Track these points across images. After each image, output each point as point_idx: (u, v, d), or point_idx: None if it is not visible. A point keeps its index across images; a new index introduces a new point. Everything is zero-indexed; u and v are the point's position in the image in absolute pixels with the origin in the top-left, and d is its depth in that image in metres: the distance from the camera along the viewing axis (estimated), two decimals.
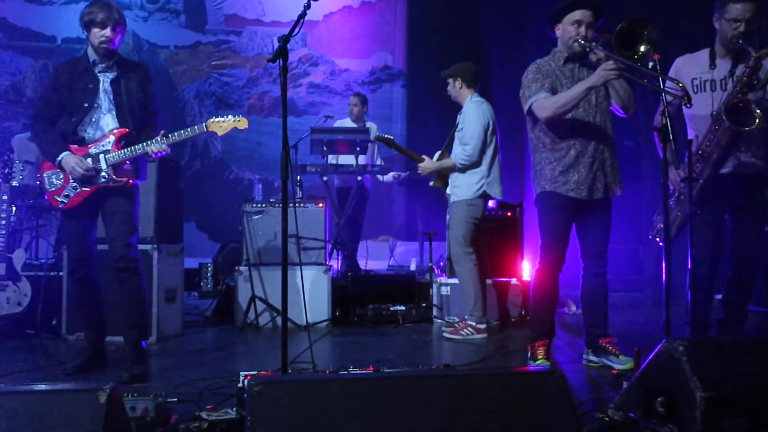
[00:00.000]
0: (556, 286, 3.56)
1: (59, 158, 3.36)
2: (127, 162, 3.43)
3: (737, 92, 3.33)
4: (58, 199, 3.44)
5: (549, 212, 3.51)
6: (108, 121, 3.45)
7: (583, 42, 3.37)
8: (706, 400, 1.91)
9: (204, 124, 3.44)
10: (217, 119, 3.45)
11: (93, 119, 3.44)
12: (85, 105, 3.43)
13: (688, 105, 3.11)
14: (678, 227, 3.52)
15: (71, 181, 3.40)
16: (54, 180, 3.44)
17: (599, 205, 3.52)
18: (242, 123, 3.46)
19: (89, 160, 3.38)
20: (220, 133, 3.44)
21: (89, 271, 3.54)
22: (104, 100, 3.45)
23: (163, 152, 3.38)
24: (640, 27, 3.11)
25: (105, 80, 3.46)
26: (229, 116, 3.47)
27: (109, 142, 3.39)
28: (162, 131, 3.38)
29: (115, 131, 3.42)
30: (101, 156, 3.38)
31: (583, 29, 3.39)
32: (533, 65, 3.55)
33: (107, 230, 3.47)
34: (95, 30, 3.37)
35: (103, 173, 3.39)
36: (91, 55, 3.47)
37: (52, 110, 3.48)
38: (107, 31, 3.37)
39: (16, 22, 9.03)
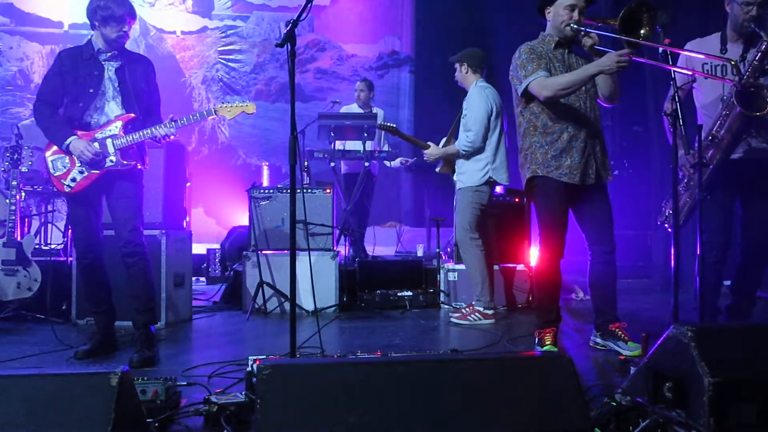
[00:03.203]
0: (559, 271, 3.53)
1: (67, 142, 3.37)
2: (134, 147, 3.46)
3: (748, 77, 3.30)
4: (65, 183, 3.45)
5: (544, 198, 3.48)
6: (113, 108, 3.47)
7: (575, 26, 3.34)
8: (714, 385, 1.90)
9: (212, 108, 3.46)
10: (225, 104, 3.48)
11: (98, 105, 3.46)
12: (90, 90, 3.44)
13: (735, 86, 3.04)
14: (687, 213, 3.50)
15: (77, 164, 3.41)
16: (59, 164, 3.46)
17: (593, 191, 3.49)
18: (250, 107, 3.48)
19: (96, 144, 3.39)
20: (228, 117, 3.45)
21: (96, 257, 3.57)
22: (109, 87, 3.47)
23: (171, 135, 3.40)
24: (642, 12, 3.08)
25: (110, 68, 3.49)
26: (237, 101, 3.49)
27: (117, 127, 3.42)
28: (171, 115, 3.41)
29: (122, 116, 3.44)
30: (108, 141, 3.40)
31: (576, 14, 3.36)
32: (526, 46, 3.49)
33: (113, 216, 3.49)
34: (113, 25, 3.38)
35: (111, 157, 3.41)
36: (96, 44, 3.48)
37: (56, 95, 3.48)
38: (125, 27, 3.41)
39: (24, 8, 9.03)
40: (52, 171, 3.48)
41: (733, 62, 3.07)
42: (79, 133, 3.41)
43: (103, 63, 3.48)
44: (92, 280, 3.60)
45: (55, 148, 3.45)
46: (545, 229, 3.47)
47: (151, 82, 3.60)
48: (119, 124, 3.42)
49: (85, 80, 3.44)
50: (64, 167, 3.45)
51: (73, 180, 3.44)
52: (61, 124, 3.43)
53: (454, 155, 4.78)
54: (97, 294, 3.61)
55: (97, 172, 3.43)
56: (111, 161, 3.42)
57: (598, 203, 3.52)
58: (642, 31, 3.08)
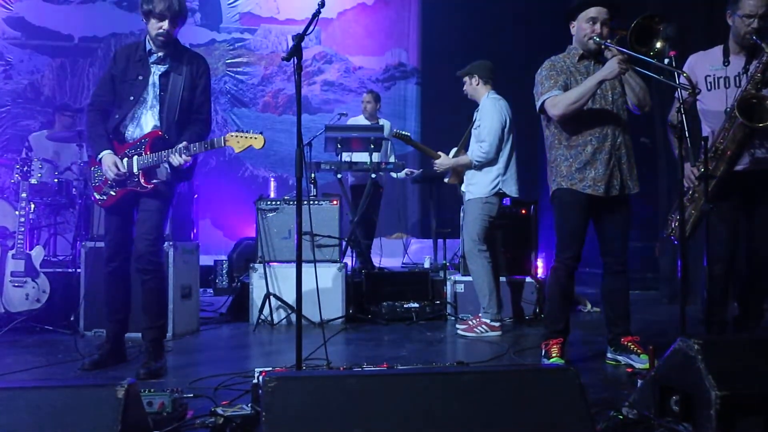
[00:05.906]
0: (572, 284, 3.53)
1: (99, 156, 3.40)
2: (158, 166, 3.40)
3: (751, 88, 3.31)
4: (97, 196, 3.51)
5: (565, 209, 3.49)
6: (148, 119, 3.44)
7: (598, 39, 3.35)
8: (721, 398, 1.90)
9: (223, 137, 3.38)
10: (236, 134, 3.37)
11: (136, 114, 3.44)
12: (131, 98, 3.42)
13: (697, 91, 3.08)
14: (693, 225, 3.49)
15: (109, 180, 3.43)
16: (97, 175, 3.50)
17: (617, 203, 3.49)
18: (259, 141, 3.38)
19: (125, 161, 3.39)
20: (236, 150, 3.36)
21: (121, 266, 3.55)
22: (150, 94, 3.43)
23: (186, 163, 3.34)
24: (655, 23, 3.10)
25: (156, 72, 3.44)
26: (250, 132, 3.39)
27: (143, 144, 3.39)
28: (183, 142, 3.33)
29: (152, 133, 3.41)
30: (135, 158, 3.39)
31: (598, 26, 3.37)
32: (548, 62, 3.53)
33: (135, 229, 3.49)
34: (153, 21, 3.34)
35: (134, 177, 3.39)
36: (149, 43, 3.45)
37: (106, 98, 3.48)
38: (165, 24, 3.34)
39: (34, 22, 9.11)
40: (92, 181, 3.53)
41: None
42: (115, 144, 3.42)
43: (151, 66, 3.44)
44: (113, 287, 3.59)
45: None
46: (562, 240, 3.48)
47: (198, 86, 3.50)
48: (146, 141, 3.39)
49: (129, 86, 3.41)
50: (100, 180, 3.48)
51: (105, 194, 3.47)
52: (99, 135, 3.44)
53: (466, 166, 4.79)
54: (114, 302, 3.60)
55: (114, 194, 3.44)
56: (133, 181, 3.41)
57: (618, 215, 3.51)
58: (658, 45, 3.10)
